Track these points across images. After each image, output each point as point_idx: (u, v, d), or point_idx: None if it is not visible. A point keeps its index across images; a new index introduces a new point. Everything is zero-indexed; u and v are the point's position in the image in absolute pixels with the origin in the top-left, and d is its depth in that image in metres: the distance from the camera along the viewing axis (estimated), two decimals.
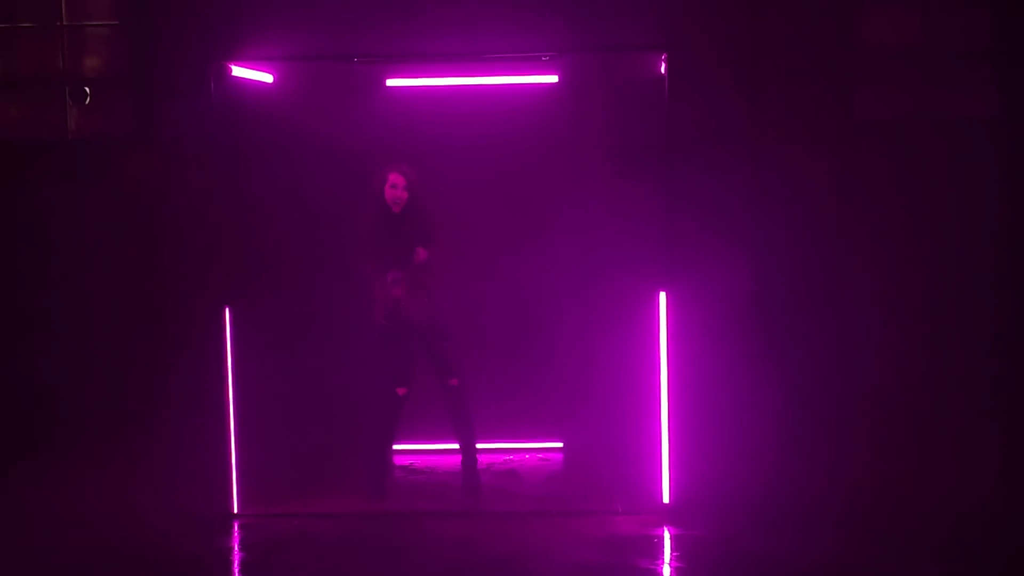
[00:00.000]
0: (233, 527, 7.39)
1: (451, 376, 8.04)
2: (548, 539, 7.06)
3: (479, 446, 8.35)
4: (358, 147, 9.36)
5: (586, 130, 9.66)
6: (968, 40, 10.07)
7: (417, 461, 8.97)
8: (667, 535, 7.11)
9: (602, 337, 9.54)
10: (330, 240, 9.46)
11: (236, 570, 6.74)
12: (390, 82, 8.90)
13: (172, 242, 10.16)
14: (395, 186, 7.80)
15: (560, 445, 9.32)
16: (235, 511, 7.56)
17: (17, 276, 10.31)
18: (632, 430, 8.71)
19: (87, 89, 10.43)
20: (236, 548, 7.08)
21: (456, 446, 8.33)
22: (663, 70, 7.46)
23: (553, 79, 8.68)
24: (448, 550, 6.96)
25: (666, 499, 7.47)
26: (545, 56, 7.84)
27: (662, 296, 7.38)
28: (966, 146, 9.88)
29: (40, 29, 10.49)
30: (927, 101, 10.02)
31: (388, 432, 8.10)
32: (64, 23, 10.45)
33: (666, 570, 6.56)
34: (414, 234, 7.83)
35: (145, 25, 10.30)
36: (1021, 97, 9.90)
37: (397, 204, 7.82)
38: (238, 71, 7.63)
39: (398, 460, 8.95)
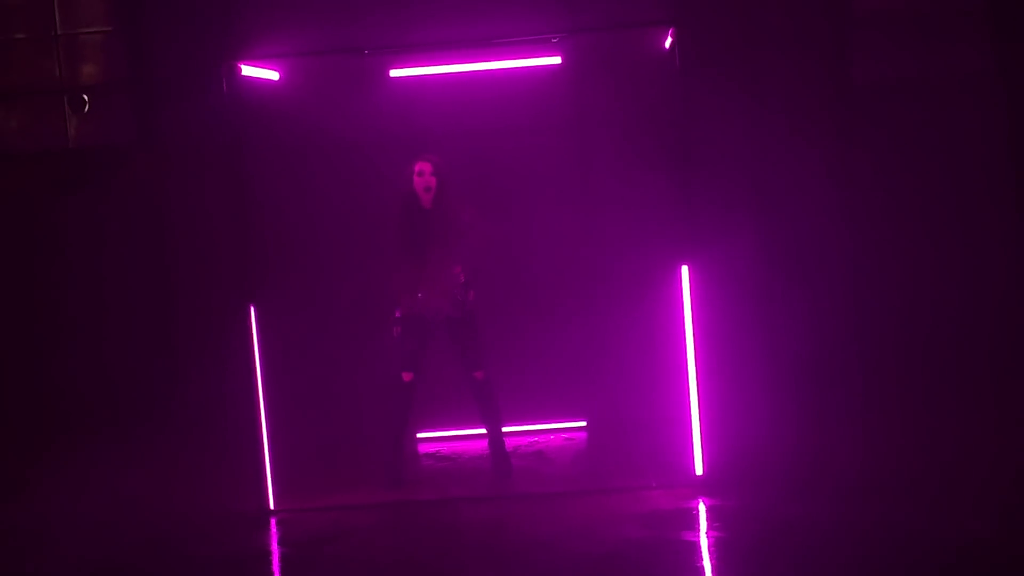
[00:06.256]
0: (271, 523, 7.40)
1: (476, 369, 8.00)
2: (587, 517, 7.05)
3: (506, 430, 8.36)
4: (364, 139, 9.43)
5: (594, 109, 9.70)
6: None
7: (443, 448, 9.00)
8: (703, 507, 7.12)
9: (620, 315, 9.60)
10: (344, 233, 9.50)
11: (281, 566, 6.73)
12: (394, 72, 8.90)
13: (183, 244, 10.17)
14: (422, 173, 7.75)
15: (583, 424, 9.33)
16: (271, 507, 7.57)
17: (34, 286, 10.34)
18: (656, 406, 8.78)
19: (85, 97, 10.41)
20: (279, 543, 7.08)
21: (483, 431, 8.37)
22: (668, 45, 7.48)
23: (556, 60, 8.70)
24: (488, 533, 6.96)
25: (699, 471, 7.48)
26: (554, 38, 7.84)
27: (684, 269, 7.39)
28: (965, 100, 9.92)
29: (35, 39, 10.45)
30: (925, 61, 10.07)
31: (398, 419, 7.98)
32: (59, 32, 10.42)
33: (704, 541, 6.56)
34: (446, 230, 7.78)
35: (140, 29, 10.29)
36: (1014, 51, 9.96)
37: (428, 192, 7.76)
38: (248, 70, 7.62)
39: (424, 448, 9.01)
